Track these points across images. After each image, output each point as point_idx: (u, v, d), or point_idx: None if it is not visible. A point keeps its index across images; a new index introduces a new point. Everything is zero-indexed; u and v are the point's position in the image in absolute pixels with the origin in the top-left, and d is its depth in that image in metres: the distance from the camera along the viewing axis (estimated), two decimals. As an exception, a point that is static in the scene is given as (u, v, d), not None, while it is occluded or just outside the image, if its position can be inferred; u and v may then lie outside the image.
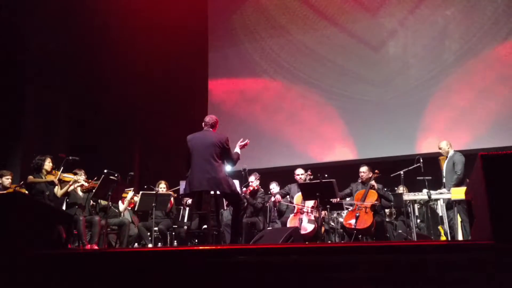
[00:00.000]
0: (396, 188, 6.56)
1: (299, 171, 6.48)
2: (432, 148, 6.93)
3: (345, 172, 6.95)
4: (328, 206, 5.69)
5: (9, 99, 7.84)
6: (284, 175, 7.08)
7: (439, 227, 5.82)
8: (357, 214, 5.53)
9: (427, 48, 7.91)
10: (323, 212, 5.80)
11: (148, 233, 6.36)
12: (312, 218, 5.90)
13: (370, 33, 8.32)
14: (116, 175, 5.62)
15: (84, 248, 5.22)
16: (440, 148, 6.17)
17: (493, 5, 7.48)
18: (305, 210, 5.98)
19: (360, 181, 6.15)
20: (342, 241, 5.93)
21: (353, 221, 5.53)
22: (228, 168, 5.03)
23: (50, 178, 5.39)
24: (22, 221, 2.40)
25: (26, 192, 5.32)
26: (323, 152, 8.34)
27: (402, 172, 5.97)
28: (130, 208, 6.72)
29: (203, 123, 4.71)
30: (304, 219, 5.92)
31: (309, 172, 6.35)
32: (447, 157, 6.11)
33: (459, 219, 5.58)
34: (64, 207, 5.72)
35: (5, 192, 5.20)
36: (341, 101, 8.32)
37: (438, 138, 6.54)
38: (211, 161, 4.40)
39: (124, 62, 8.90)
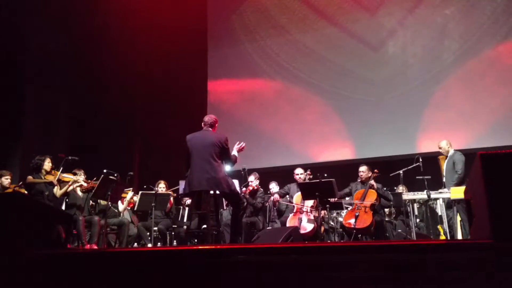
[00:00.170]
0: (395, 188, 6.57)
1: (299, 170, 6.49)
2: (431, 147, 6.94)
3: (344, 172, 6.96)
4: (327, 205, 5.70)
5: (9, 99, 7.84)
6: (284, 175, 7.08)
7: (439, 227, 5.82)
8: (357, 214, 5.54)
9: (427, 48, 7.91)
10: (322, 212, 5.80)
11: (148, 233, 6.37)
12: (312, 217, 5.91)
13: (370, 33, 8.32)
14: (115, 175, 5.62)
15: (83, 248, 5.21)
16: (440, 148, 6.17)
17: (492, 5, 7.48)
18: (304, 209, 5.98)
19: (359, 180, 6.16)
20: (342, 241, 5.93)
21: (352, 221, 5.53)
22: (227, 168, 5.03)
23: (49, 178, 5.38)
24: (21, 221, 2.39)
25: (26, 192, 5.31)
26: (322, 152, 8.34)
27: (401, 172, 5.97)
28: (129, 208, 6.72)
29: (202, 123, 4.71)
30: (304, 218, 5.92)
31: (308, 172, 6.35)
32: (447, 156, 6.11)
33: (458, 218, 5.58)
34: (63, 208, 5.72)
35: (4, 192, 5.20)
36: (341, 101, 8.33)
37: (438, 138, 6.54)
38: (211, 161, 4.40)
39: (124, 62, 8.90)
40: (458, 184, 5.58)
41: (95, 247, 5.34)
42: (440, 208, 5.69)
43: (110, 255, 2.18)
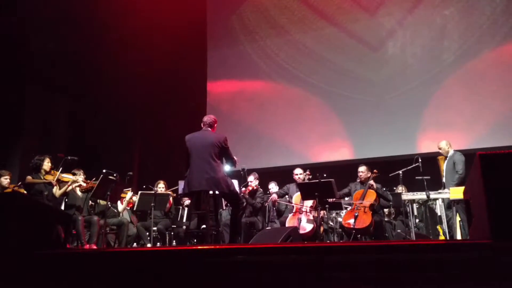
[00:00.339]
0: (395, 188, 6.57)
1: (298, 170, 6.49)
2: (431, 147, 6.94)
3: (344, 172, 6.96)
4: (326, 206, 5.70)
5: (8, 98, 7.83)
6: (283, 175, 7.09)
7: (438, 227, 5.82)
8: (356, 214, 5.53)
9: (426, 48, 7.91)
10: (322, 212, 5.80)
11: (147, 233, 6.36)
12: (311, 217, 5.91)
13: (369, 33, 8.33)
14: (115, 175, 5.61)
15: (82, 248, 5.21)
16: (440, 148, 6.17)
17: (491, 5, 7.49)
18: (304, 209, 5.98)
19: (358, 181, 6.16)
20: (341, 241, 5.94)
21: (352, 221, 5.53)
22: (227, 168, 5.03)
23: (48, 178, 5.38)
24: (20, 221, 2.39)
25: (25, 192, 5.31)
26: (321, 152, 8.34)
27: (400, 172, 5.97)
28: (129, 208, 6.72)
29: (201, 123, 4.71)
30: (303, 218, 5.92)
31: (308, 172, 6.36)
32: (446, 157, 6.11)
33: (458, 219, 5.58)
34: (62, 208, 5.71)
35: (3, 192, 5.19)
36: (340, 101, 8.33)
37: (437, 138, 6.54)
38: (210, 161, 4.41)
39: (124, 63, 8.90)
40: (459, 184, 5.57)
41: (95, 247, 5.33)
42: (439, 208, 5.69)
43: (110, 255, 2.18)
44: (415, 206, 6.08)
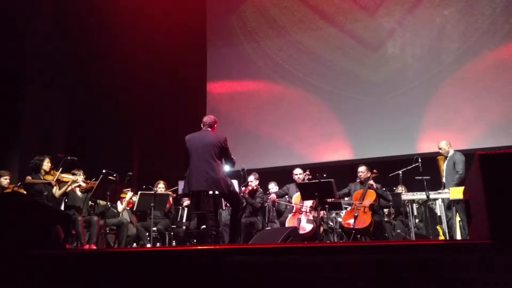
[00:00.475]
0: (394, 188, 6.57)
1: (297, 170, 6.49)
2: (430, 147, 6.95)
3: (343, 172, 6.96)
4: (326, 206, 5.69)
5: (8, 99, 7.83)
6: (283, 175, 7.09)
7: (438, 227, 5.82)
8: (356, 214, 5.53)
9: (426, 48, 7.92)
10: (321, 212, 5.80)
11: (147, 233, 6.36)
12: (311, 218, 5.91)
13: (369, 33, 8.33)
14: (114, 175, 5.61)
15: (82, 248, 5.21)
16: (440, 148, 6.16)
17: (491, 5, 7.49)
18: (303, 210, 5.98)
19: (358, 181, 6.16)
20: (341, 241, 5.93)
21: (351, 221, 5.53)
22: (226, 168, 5.03)
23: (48, 178, 5.37)
24: (20, 221, 2.39)
25: (25, 192, 5.31)
26: (321, 152, 8.34)
27: (400, 172, 5.97)
28: (128, 208, 6.71)
29: (201, 123, 4.71)
30: (303, 219, 5.92)
31: (307, 172, 6.36)
32: (446, 157, 6.10)
33: (457, 219, 5.59)
34: (62, 208, 5.70)
35: (3, 192, 5.19)
36: (340, 101, 8.33)
37: (437, 138, 6.55)
38: (210, 161, 4.41)
39: (124, 63, 8.91)
40: (459, 184, 5.57)
41: (94, 248, 5.33)
42: (439, 209, 5.69)
43: (109, 256, 2.18)
44: (415, 206, 6.08)
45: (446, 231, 5.56)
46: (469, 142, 7.10)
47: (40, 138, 8.23)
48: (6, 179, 5.46)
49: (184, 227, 6.59)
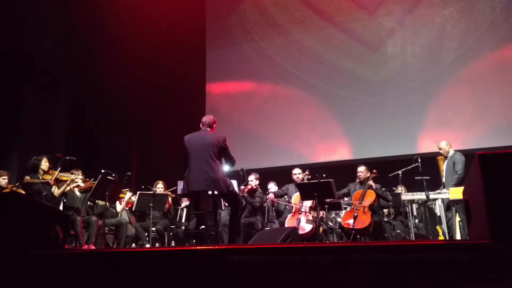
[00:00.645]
0: (394, 188, 6.57)
1: (297, 170, 6.49)
2: (430, 147, 6.94)
3: (343, 172, 6.96)
4: (326, 206, 5.69)
5: (8, 98, 7.82)
6: (283, 175, 7.08)
7: (437, 227, 5.82)
8: (355, 214, 5.53)
9: (426, 48, 7.92)
10: (321, 212, 5.80)
11: (146, 234, 6.35)
12: (310, 218, 5.90)
13: (369, 33, 8.33)
14: (113, 175, 5.60)
15: (81, 248, 5.20)
16: (440, 149, 6.15)
17: (491, 5, 7.49)
18: (303, 210, 5.97)
19: (358, 181, 6.15)
20: (340, 241, 5.93)
21: (351, 221, 5.52)
22: (226, 168, 5.03)
23: (48, 178, 5.37)
24: (18, 222, 2.38)
25: (23, 192, 5.30)
26: (321, 152, 8.34)
27: (400, 172, 5.97)
28: (127, 208, 6.71)
29: (200, 123, 4.71)
30: (302, 219, 5.92)
31: (307, 172, 6.35)
32: (446, 157, 6.10)
33: (457, 219, 5.58)
34: (61, 209, 5.70)
35: (1, 192, 5.18)
36: (340, 101, 8.33)
37: (437, 138, 6.54)
38: (209, 161, 4.41)
39: (123, 63, 8.91)
40: (458, 184, 5.57)
41: (93, 248, 5.32)
42: (439, 209, 5.69)
43: (108, 256, 2.17)
44: (414, 206, 6.08)
45: (446, 231, 5.55)
46: (469, 142, 7.10)
47: (40, 138, 8.22)
48: (4, 179, 5.46)
49: (183, 227, 6.58)
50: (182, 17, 8.99)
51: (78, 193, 5.75)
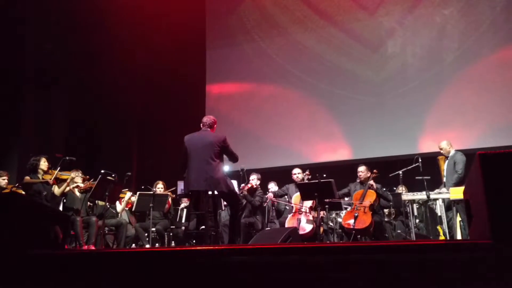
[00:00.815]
0: (395, 188, 6.56)
1: (296, 170, 6.48)
2: (431, 147, 6.94)
3: (343, 172, 6.95)
4: (326, 206, 5.68)
5: (8, 99, 7.82)
6: (283, 175, 7.08)
7: (438, 227, 5.81)
8: (356, 214, 5.52)
9: (426, 48, 7.92)
10: (321, 212, 5.79)
11: (146, 234, 6.34)
12: (311, 218, 5.90)
13: (369, 33, 8.32)
14: (113, 175, 5.60)
15: (81, 249, 5.20)
16: (441, 149, 6.13)
17: (491, 5, 7.49)
18: (303, 210, 5.97)
19: (358, 181, 6.14)
20: (341, 241, 5.92)
21: (351, 221, 5.51)
22: (226, 168, 5.03)
23: (47, 178, 5.37)
24: (18, 222, 2.38)
25: (23, 192, 5.30)
26: (321, 152, 8.33)
27: (401, 172, 5.96)
28: (127, 209, 6.70)
29: (201, 124, 4.70)
30: (303, 219, 5.91)
31: (307, 172, 6.35)
32: (447, 157, 6.08)
33: (458, 219, 5.57)
34: (61, 209, 5.69)
35: (1, 192, 5.18)
36: (340, 101, 8.32)
37: (437, 138, 6.54)
38: (209, 161, 4.40)
39: (123, 63, 8.90)
40: (457, 184, 5.56)
41: (93, 248, 5.32)
42: (439, 209, 5.68)
43: (108, 256, 2.17)
44: (415, 206, 6.07)
45: (447, 231, 5.54)
46: (469, 142, 7.09)
47: (40, 138, 8.22)
48: (4, 179, 5.46)
49: (183, 228, 6.58)
50: (182, 17, 8.98)
51: (78, 194, 5.75)
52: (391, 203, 6.11)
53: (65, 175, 5.50)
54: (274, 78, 8.94)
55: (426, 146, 7.37)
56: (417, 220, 6.36)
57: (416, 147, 7.53)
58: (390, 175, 6.15)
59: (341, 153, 8.23)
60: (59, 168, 5.50)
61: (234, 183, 5.31)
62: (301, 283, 1.80)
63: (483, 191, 1.83)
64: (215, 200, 4.72)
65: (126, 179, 6.20)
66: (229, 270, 1.89)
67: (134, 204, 6.27)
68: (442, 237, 5.64)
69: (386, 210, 6.42)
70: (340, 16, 8.55)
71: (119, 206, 6.39)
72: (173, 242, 6.59)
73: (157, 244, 6.54)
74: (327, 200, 5.51)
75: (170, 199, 6.64)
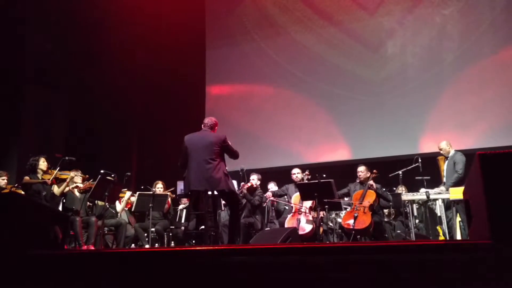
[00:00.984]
0: (394, 188, 6.56)
1: (296, 170, 6.48)
2: (430, 147, 6.93)
3: (343, 172, 6.94)
4: (326, 206, 5.68)
5: (8, 98, 7.82)
6: (283, 175, 7.07)
7: (438, 227, 5.81)
8: (356, 215, 5.52)
9: (426, 48, 7.91)
10: (321, 213, 5.79)
11: (145, 234, 6.34)
12: (310, 218, 5.89)
13: (369, 33, 8.32)
14: (112, 175, 5.60)
15: (80, 249, 5.20)
16: (440, 149, 6.12)
17: (491, 5, 7.48)
18: (303, 210, 5.97)
19: (358, 181, 6.14)
20: (341, 242, 5.92)
21: (351, 222, 5.51)
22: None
23: (47, 178, 5.37)
24: (18, 222, 2.38)
25: (23, 193, 5.29)
26: (321, 152, 8.33)
27: (400, 172, 5.96)
28: (127, 209, 6.70)
29: (202, 125, 4.70)
30: (302, 219, 5.91)
31: (307, 172, 6.34)
32: (447, 157, 6.08)
33: (458, 219, 5.57)
34: (60, 209, 5.69)
35: (1, 192, 5.18)
36: (339, 101, 8.32)
37: (437, 138, 6.53)
38: (210, 160, 4.40)
39: (123, 63, 8.90)
40: (457, 184, 5.55)
41: (92, 248, 5.32)
42: (439, 209, 5.68)
43: (107, 256, 2.17)
44: (415, 206, 6.06)
45: (446, 231, 5.54)
46: (469, 142, 7.09)
47: (40, 138, 8.22)
48: (3, 179, 5.45)
49: (183, 228, 6.57)
50: (182, 17, 8.98)
51: (77, 194, 5.75)
52: (391, 203, 6.11)
53: (64, 174, 5.50)
54: (274, 78, 8.94)
55: (426, 146, 7.37)
56: (417, 220, 6.35)
57: (416, 147, 7.53)
58: (390, 175, 6.15)
59: (340, 153, 8.22)
60: (58, 168, 5.49)
61: (234, 183, 5.30)
62: (301, 283, 1.80)
63: (483, 191, 1.83)
64: (214, 200, 4.72)
65: (126, 179, 6.19)
66: (228, 270, 1.89)
67: (134, 204, 6.26)
68: (442, 238, 5.63)
69: (386, 210, 6.42)
70: (340, 16, 8.55)
71: (118, 206, 6.38)
72: (172, 242, 6.59)
73: (156, 244, 6.53)
74: (327, 200, 5.51)
75: (169, 199, 6.63)
